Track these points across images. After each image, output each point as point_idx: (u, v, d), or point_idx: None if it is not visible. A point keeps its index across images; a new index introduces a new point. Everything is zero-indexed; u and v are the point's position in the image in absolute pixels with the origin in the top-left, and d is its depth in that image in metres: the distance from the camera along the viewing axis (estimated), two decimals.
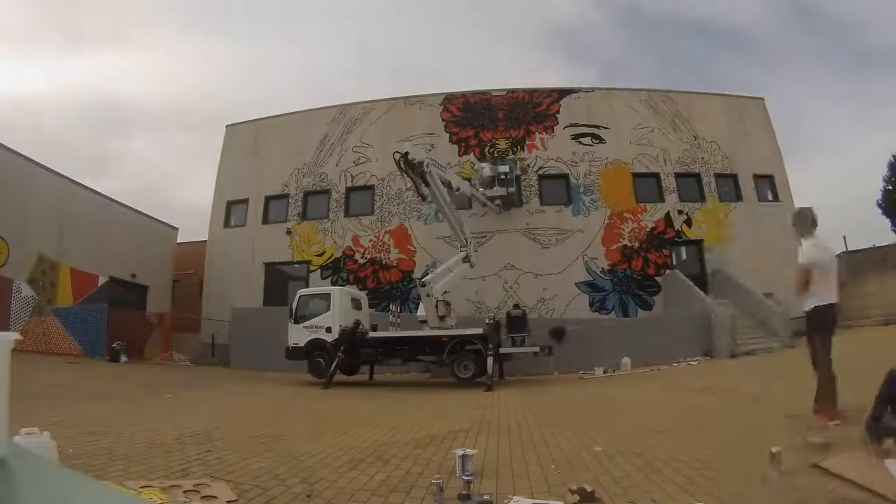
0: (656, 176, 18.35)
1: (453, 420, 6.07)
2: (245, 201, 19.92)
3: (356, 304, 13.04)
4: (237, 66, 69.75)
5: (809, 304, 4.43)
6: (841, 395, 4.29)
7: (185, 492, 2.96)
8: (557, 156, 18.54)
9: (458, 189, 14.96)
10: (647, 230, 17.69)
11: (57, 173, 17.45)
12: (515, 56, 68.87)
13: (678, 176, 18.35)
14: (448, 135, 19.14)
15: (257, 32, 67.53)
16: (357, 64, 73.09)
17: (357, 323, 12.21)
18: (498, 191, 16.72)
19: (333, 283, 17.34)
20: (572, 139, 18.73)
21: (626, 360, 12.96)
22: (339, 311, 12.06)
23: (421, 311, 12.14)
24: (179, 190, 62.48)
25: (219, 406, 7.54)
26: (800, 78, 62.57)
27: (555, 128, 18.89)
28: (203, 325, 18.85)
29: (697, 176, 18.40)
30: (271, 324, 14.07)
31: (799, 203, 18.58)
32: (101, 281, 17.28)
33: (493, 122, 19.16)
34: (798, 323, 15.43)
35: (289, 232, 19.00)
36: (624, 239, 17.63)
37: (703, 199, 18.14)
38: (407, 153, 11.65)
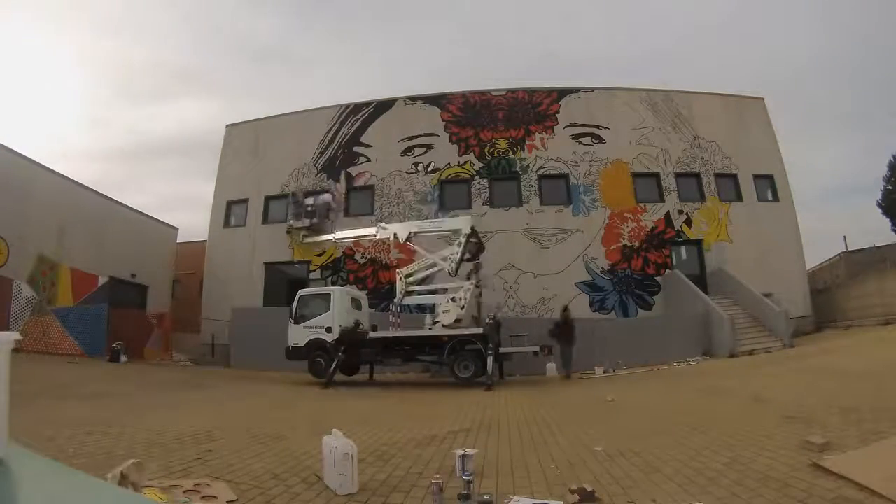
0: (656, 176, 18.33)
1: (453, 420, 6.07)
2: (245, 201, 19.92)
3: (356, 304, 13.02)
4: (239, 65, 69.79)
5: None
6: (847, 396, 4.29)
7: (185, 492, 2.96)
8: (557, 156, 18.53)
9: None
10: (647, 230, 17.68)
11: (57, 173, 17.45)
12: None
13: (678, 176, 18.34)
14: (448, 135, 19.13)
15: (257, 32, 67.54)
16: (358, 63, 73.10)
17: (357, 323, 12.21)
18: (304, 222, 16.59)
19: (333, 283, 17.33)
20: (572, 139, 18.72)
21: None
22: (339, 311, 12.06)
23: (450, 312, 11.72)
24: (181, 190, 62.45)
25: (219, 406, 7.54)
26: None
27: (555, 128, 18.88)
28: (203, 325, 18.84)
29: (697, 176, 18.39)
30: (271, 324, 14.07)
31: (799, 203, 18.64)
32: (101, 281, 17.28)
33: (493, 122, 19.15)
34: (797, 323, 15.53)
35: (289, 232, 19.00)
36: (624, 239, 17.62)
37: (703, 198, 18.13)
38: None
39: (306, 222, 15.55)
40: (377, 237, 13.41)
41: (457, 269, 11.62)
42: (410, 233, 12.77)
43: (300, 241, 16.04)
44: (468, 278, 12.09)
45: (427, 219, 16.80)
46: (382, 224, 13.59)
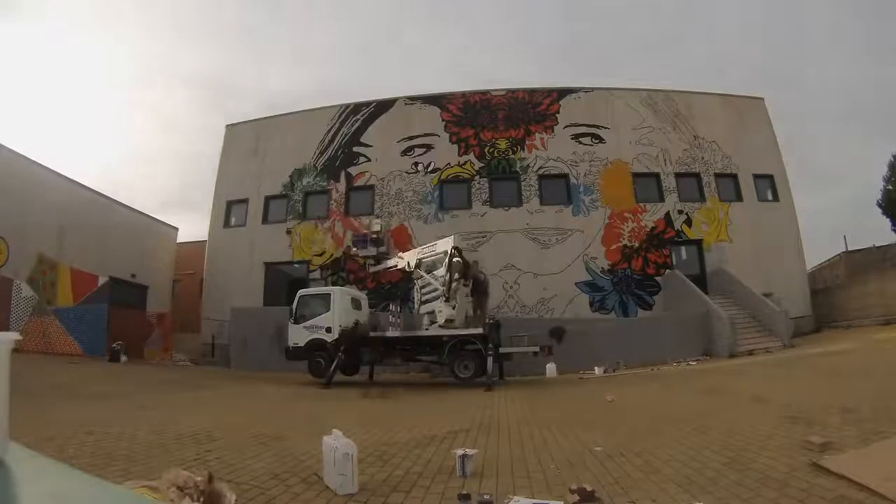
0: (656, 176, 18.33)
1: (453, 420, 6.07)
2: (245, 201, 19.93)
3: (356, 304, 13.03)
4: (238, 65, 69.81)
5: None
6: (847, 396, 4.28)
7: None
8: (557, 156, 18.53)
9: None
10: (647, 230, 17.69)
11: (57, 173, 17.45)
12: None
13: (678, 176, 18.34)
14: (448, 135, 19.14)
15: (257, 33, 67.58)
16: (358, 64, 73.16)
17: (357, 323, 12.21)
18: (370, 250, 15.96)
19: (333, 283, 17.33)
20: (572, 139, 18.72)
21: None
22: (339, 311, 12.06)
23: (442, 312, 11.69)
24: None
25: (219, 406, 7.54)
26: None
27: (555, 128, 18.88)
28: (203, 325, 18.84)
29: (697, 176, 18.40)
30: (271, 324, 14.04)
31: (798, 202, 18.66)
32: (101, 281, 17.27)
33: (493, 122, 19.15)
34: (797, 323, 15.54)
35: (289, 232, 19.00)
36: (624, 239, 17.63)
37: (703, 198, 18.14)
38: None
39: (373, 251, 15.71)
40: (398, 267, 13.85)
41: (448, 290, 11.50)
42: (418, 259, 13.02)
43: (367, 271, 16.10)
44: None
45: (427, 219, 16.83)
46: (400, 254, 14.30)
